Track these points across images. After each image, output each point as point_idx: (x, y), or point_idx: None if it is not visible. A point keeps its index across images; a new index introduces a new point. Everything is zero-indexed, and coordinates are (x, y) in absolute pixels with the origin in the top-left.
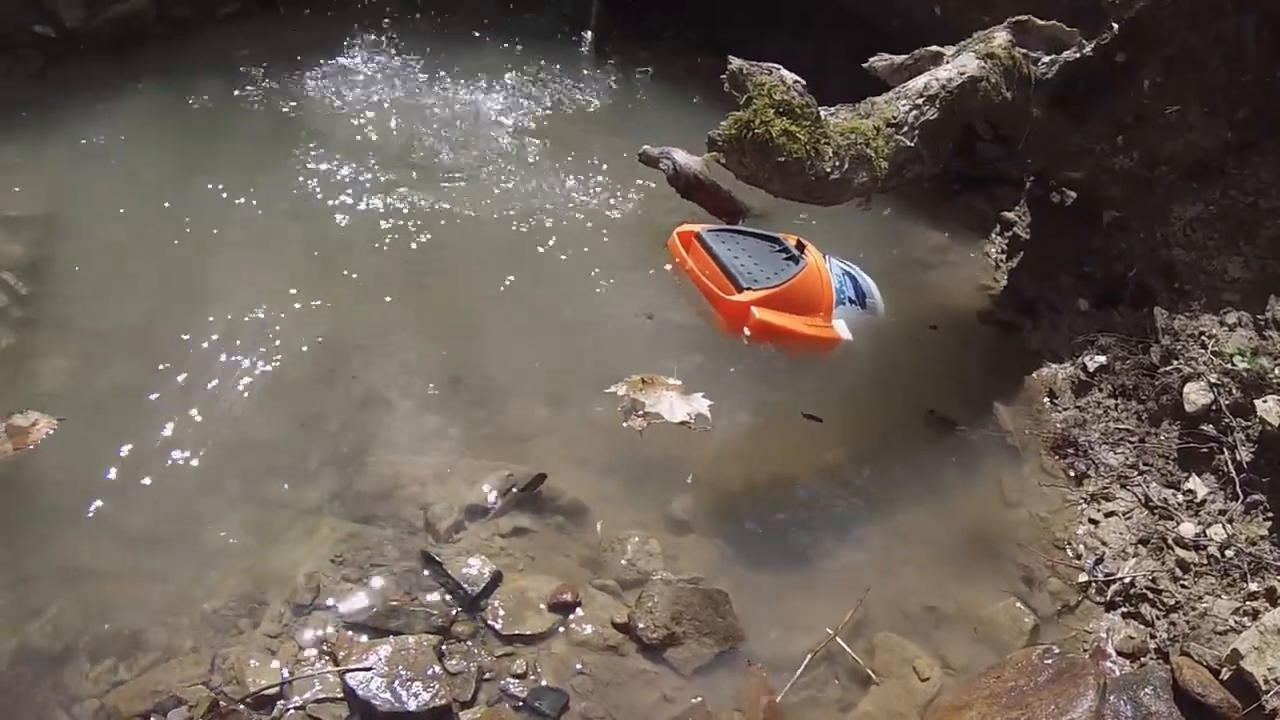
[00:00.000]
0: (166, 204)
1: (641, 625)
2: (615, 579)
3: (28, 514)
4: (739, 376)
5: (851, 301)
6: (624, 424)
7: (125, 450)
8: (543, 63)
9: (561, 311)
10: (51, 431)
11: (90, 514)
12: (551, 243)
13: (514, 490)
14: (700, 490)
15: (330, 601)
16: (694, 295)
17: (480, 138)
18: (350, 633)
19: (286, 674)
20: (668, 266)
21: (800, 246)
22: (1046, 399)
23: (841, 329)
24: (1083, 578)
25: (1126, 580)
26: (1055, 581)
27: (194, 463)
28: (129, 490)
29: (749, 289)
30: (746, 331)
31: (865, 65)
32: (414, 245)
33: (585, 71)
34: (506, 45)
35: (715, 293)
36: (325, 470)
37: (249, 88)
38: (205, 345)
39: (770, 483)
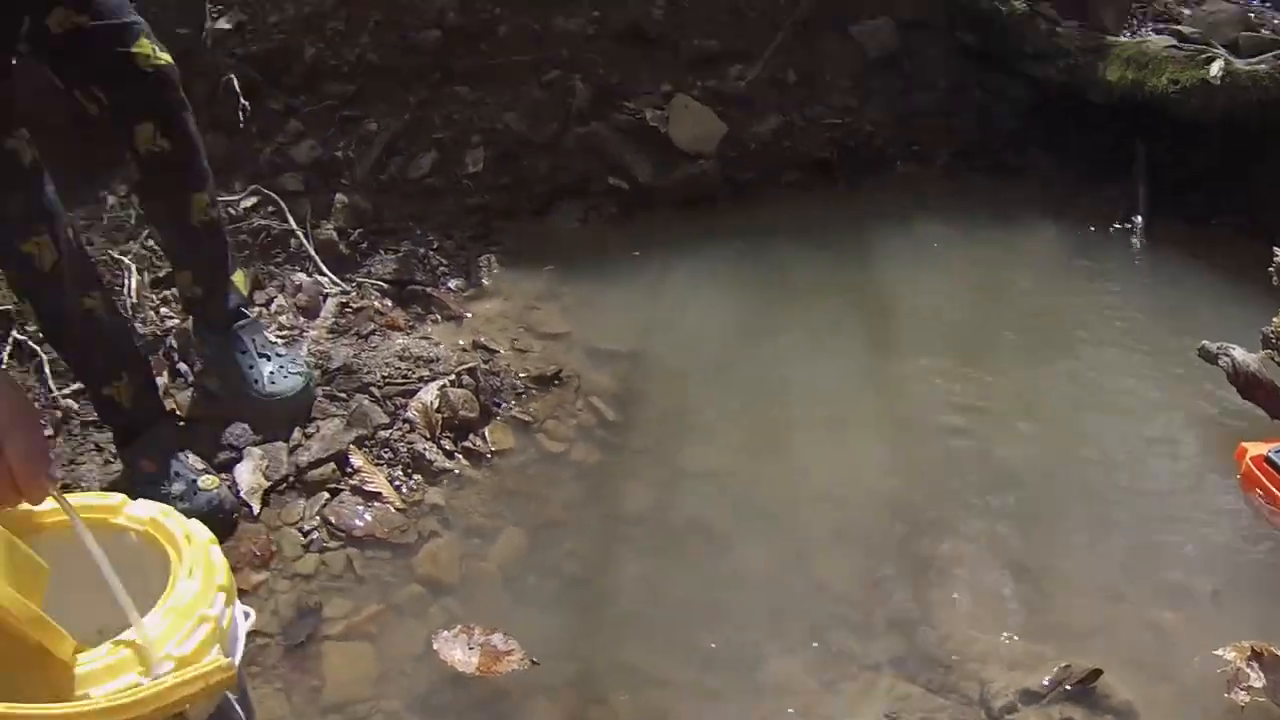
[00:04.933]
0: (739, 355)
1: None
2: None
3: (599, 615)
4: None
5: None
6: (1225, 694)
7: (700, 575)
8: (1091, 245)
9: (1127, 510)
10: (521, 669)
11: (661, 625)
12: (1113, 443)
13: (1068, 682)
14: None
15: None
16: None
17: (1044, 326)
18: None
19: None
20: (1251, 489)
21: None
22: None
23: None
24: None
25: None
26: None
27: (762, 599)
28: (701, 612)
29: None
30: None
31: None
32: (985, 434)
33: (1135, 260)
34: (1055, 226)
35: None
36: (890, 631)
37: (814, 253)
38: (778, 492)
39: None
